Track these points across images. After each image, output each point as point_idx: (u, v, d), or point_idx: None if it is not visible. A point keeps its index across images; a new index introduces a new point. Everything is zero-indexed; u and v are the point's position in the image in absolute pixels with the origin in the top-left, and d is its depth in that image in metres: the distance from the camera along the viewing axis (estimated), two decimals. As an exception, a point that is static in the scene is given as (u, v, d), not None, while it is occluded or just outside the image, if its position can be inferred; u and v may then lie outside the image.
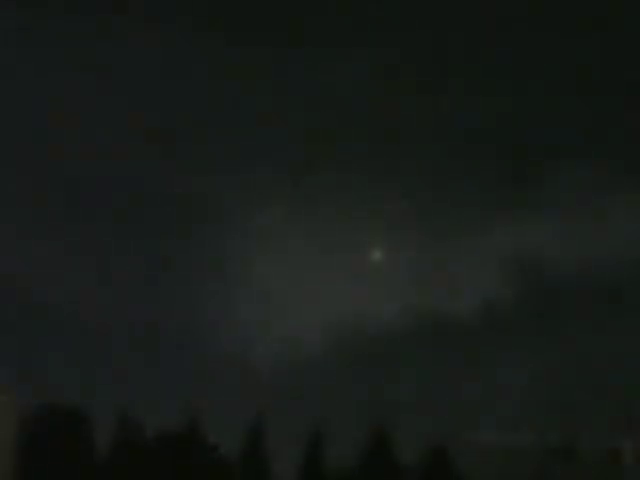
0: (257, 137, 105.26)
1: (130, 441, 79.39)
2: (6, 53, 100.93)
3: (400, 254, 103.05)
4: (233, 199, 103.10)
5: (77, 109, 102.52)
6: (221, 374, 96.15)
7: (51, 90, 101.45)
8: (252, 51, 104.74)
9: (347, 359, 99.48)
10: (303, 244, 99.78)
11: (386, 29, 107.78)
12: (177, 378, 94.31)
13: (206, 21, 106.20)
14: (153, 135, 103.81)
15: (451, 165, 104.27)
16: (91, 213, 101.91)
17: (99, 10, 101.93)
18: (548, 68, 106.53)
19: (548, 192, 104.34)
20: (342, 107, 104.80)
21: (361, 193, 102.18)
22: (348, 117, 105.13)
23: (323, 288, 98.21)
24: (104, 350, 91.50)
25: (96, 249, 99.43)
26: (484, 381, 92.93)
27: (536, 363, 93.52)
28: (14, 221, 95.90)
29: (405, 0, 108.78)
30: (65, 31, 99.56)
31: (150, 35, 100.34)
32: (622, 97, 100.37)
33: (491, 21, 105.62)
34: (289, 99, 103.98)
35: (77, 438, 76.63)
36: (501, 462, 68.17)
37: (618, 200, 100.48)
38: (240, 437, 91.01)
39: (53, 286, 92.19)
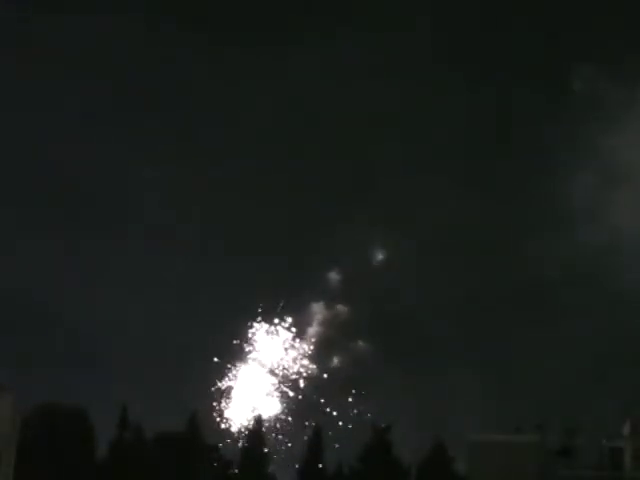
0: (257, 138, 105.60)
1: (130, 441, 79.46)
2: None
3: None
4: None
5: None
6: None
7: (50, 90, 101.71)
8: (251, 50, 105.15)
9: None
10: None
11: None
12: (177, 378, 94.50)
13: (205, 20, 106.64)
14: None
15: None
16: (92, 214, 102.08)
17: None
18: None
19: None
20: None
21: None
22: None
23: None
24: (104, 350, 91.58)
25: (97, 249, 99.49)
26: (484, 381, 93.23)
27: (536, 363, 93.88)
28: (14, 221, 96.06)
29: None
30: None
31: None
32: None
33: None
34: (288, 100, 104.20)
35: (77, 438, 76.68)
36: (501, 461, 68.11)
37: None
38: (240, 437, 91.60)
39: (53, 286, 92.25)
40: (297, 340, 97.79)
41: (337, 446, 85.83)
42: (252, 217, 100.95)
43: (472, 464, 72.49)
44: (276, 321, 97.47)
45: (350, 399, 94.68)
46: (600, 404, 79.53)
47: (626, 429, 70.22)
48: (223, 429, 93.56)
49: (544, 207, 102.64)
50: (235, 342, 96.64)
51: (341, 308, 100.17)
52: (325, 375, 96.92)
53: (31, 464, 66.80)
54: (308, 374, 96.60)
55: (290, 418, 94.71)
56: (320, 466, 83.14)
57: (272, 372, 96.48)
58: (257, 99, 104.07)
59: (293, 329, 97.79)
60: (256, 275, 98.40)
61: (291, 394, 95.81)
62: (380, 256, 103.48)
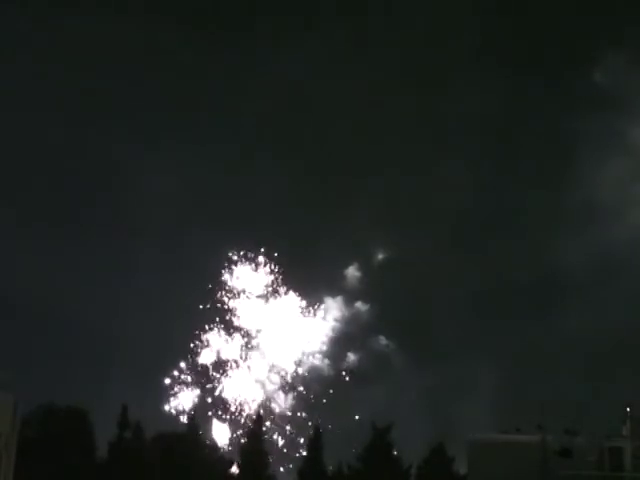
0: (257, 138, 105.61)
1: (130, 441, 79.44)
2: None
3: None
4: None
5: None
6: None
7: (50, 90, 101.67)
8: (251, 50, 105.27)
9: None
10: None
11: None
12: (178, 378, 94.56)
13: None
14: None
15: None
16: (92, 213, 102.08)
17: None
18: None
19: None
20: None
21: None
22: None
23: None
24: (104, 350, 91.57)
25: (97, 249, 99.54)
26: (483, 381, 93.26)
27: (536, 363, 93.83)
28: (14, 221, 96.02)
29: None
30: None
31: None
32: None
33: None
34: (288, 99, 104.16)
35: (77, 438, 76.65)
36: (501, 461, 68.03)
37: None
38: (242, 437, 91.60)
39: (53, 286, 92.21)
40: (307, 336, 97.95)
41: (337, 445, 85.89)
42: (253, 216, 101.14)
43: (472, 464, 72.38)
44: (285, 316, 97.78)
45: (351, 399, 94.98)
46: (600, 404, 79.52)
47: (626, 429, 70.12)
48: (223, 429, 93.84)
49: (566, 205, 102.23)
50: (237, 341, 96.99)
51: (360, 305, 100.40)
52: (332, 373, 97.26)
53: (31, 464, 66.77)
54: (315, 372, 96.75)
55: (291, 416, 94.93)
56: (320, 466, 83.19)
57: (277, 370, 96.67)
58: (257, 99, 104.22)
59: (305, 325, 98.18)
60: (259, 272, 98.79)
61: (294, 393, 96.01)
62: (380, 255, 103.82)
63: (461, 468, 79.75)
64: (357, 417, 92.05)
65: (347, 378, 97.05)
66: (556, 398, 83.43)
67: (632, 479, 68.17)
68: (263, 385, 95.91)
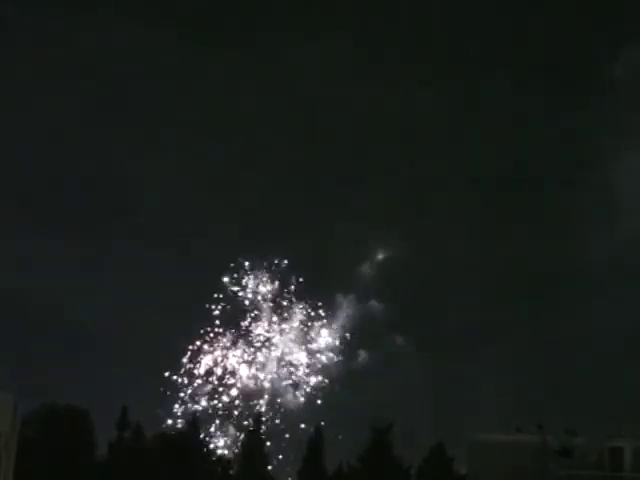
0: (257, 138, 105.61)
1: (130, 441, 79.48)
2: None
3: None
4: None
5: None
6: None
7: (50, 90, 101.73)
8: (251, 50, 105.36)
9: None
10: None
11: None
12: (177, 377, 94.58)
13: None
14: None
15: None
16: (92, 213, 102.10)
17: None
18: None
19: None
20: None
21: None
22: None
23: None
24: (104, 350, 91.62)
25: (98, 249, 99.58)
26: (483, 381, 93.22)
27: (535, 362, 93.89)
28: (14, 221, 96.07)
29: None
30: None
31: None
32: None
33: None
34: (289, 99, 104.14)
35: (77, 438, 76.69)
36: (501, 461, 68.02)
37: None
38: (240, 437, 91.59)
39: (53, 287, 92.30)
40: (317, 334, 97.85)
41: (338, 445, 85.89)
42: (253, 216, 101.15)
43: (472, 464, 72.35)
44: (295, 315, 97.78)
45: (352, 398, 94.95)
46: (600, 404, 79.53)
47: (626, 429, 70.11)
48: (223, 428, 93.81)
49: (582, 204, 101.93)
50: (242, 341, 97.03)
51: (374, 303, 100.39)
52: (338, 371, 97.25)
53: (31, 464, 66.76)
54: (321, 371, 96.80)
55: (293, 415, 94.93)
56: (320, 466, 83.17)
57: (285, 368, 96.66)
58: (257, 100, 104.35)
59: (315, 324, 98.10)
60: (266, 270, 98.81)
61: (299, 392, 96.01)
62: (382, 255, 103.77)
63: (461, 468, 79.72)
64: (358, 417, 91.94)
65: (352, 377, 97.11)
66: (556, 398, 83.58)
67: (632, 479, 68.14)
68: (268, 384, 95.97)
